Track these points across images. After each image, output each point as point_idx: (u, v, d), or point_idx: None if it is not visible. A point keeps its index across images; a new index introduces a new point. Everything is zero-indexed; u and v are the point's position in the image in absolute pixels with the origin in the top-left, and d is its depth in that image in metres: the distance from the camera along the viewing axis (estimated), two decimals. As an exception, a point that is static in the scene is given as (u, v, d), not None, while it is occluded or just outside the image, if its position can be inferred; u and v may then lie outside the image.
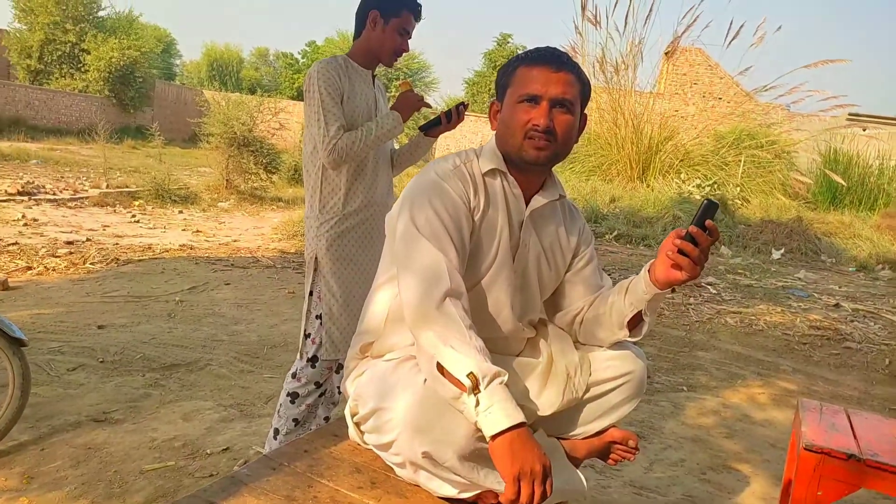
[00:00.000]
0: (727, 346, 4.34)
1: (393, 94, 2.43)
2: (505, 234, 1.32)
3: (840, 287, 6.76)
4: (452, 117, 2.12)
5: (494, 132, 1.35)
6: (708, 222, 1.15)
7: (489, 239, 1.31)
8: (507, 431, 1.03)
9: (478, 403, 1.04)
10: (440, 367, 1.09)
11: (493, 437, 1.04)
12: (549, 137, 1.25)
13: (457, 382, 1.06)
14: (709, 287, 6.08)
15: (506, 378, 1.08)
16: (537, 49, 1.30)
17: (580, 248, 1.45)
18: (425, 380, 1.15)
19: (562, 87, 1.25)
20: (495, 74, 1.57)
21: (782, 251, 8.64)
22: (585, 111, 1.35)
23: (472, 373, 1.05)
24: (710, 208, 1.15)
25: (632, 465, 2.53)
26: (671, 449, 2.73)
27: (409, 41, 2.07)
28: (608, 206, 10.61)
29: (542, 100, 1.24)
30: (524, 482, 1.01)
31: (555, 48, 1.30)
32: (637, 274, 1.30)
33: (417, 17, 2.05)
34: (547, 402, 1.32)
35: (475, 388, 1.04)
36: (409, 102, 2.08)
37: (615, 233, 9.06)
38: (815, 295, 6.15)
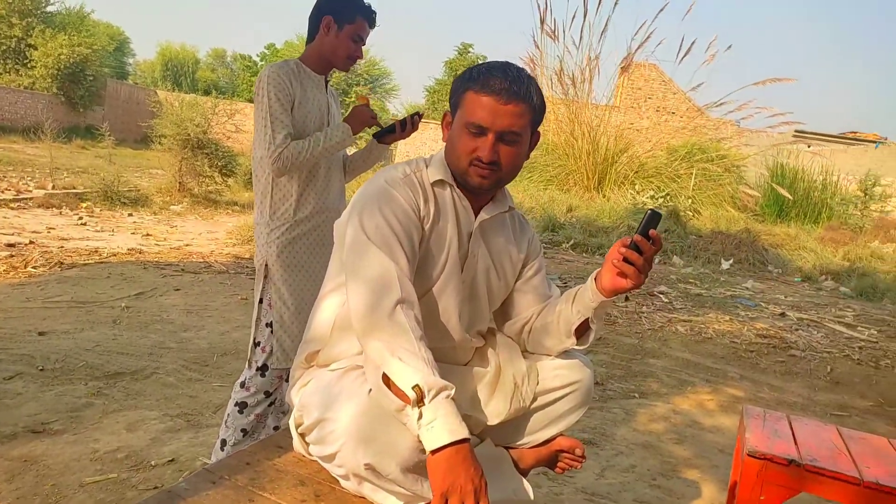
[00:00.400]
0: (678, 354, 4.43)
1: (354, 100, 2.38)
2: (454, 244, 1.32)
3: (786, 297, 6.99)
4: (407, 126, 2.12)
5: (444, 143, 1.35)
6: (652, 231, 1.17)
7: (438, 248, 1.31)
8: (447, 447, 1.01)
9: (421, 416, 1.03)
10: (386, 378, 1.07)
11: (433, 451, 1.02)
12: (492, 168, 1.25)
13: (401, 394, 1.04)
14: (661, 296, 6.21)
15: (452, 392, 1.06)
16: (490, 71, 1.24)
17: (529, 258, 1.45)
18: (370, 390, 1.14)
19: (509, 120, 1.22)
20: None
21: (731, 261, 8.89)
22: (539, 129, 1.35)
23: (417, 385, 1.03)
24: (653, 218, 1.18)
25: (584, 472, 2.55)
26: (622, 455, 2.77)
27: (364, 48, 2.06)
28: (565, 215, 10.76)
29: (489, 132, 1.23)
30: (452, 499, 1.00)
31: (508, 68, 1.25)
32: (585, 282, 1.31)
33: (372, 24, 2.04)
34: (494, 411, 1.31)
35: (420, 401, 1.03)
36: (362, 117, 2.06)
37: (572, 242, 9.19)
38: (762, 304, 6.35)
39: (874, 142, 19.85)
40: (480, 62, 1.31)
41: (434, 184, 1.32)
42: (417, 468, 1.10)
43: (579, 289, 1.32)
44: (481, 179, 1.26)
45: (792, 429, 1.95)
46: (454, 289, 1.33)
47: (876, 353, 4.82)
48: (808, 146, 16.90)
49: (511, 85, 1.22)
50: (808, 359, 4.54)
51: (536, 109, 1.27)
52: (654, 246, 1.17)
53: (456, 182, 1.32)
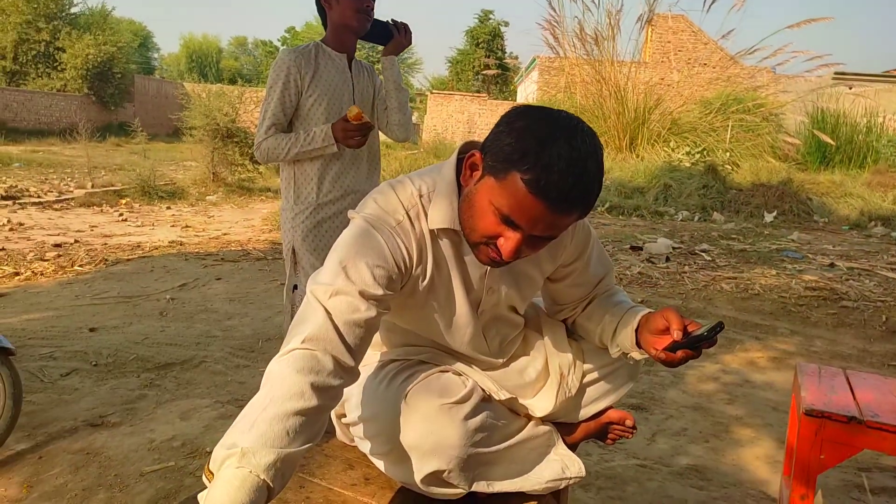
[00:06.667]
0: (724, 312, 4.33)
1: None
2: (460, 293, 1.15)
3: (834, 246, 6.77)
4: (401, 30, 2.03)
5: (462, 183, 1.07)
6: (705, 344, 1.05)
7: (440, 304, 1.15)
8: None
9: (200, 497, 0.86)
10: None
11: None
12: (509, 262, 1.03)
13: (206, 472, 0.89)
14: (703, 254, 6.08)
15: (235, 461, 0.84)
16: (550, 157, 0.91)
17: (569, 259, 1.26)
18: (407, 394, 1.12)
19: (550, 230, 0.97)
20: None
21: (774, 214, 8.64)
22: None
23: (206, 466, 0.87)
24: (713, 332, 1.03)
25: (635, 438, 2.52)
26: (673, 419, 2.73)
27: (374, 2, 1.98)
28: (598, 178, 10.58)
29: (520, 230, 0.97)
30: None
31: (575, 158, 0.91)
32: (631, 312, 1.22)
33: None
34: (540, 405, 1.28)
35: (208, 476, 0.87)
36: (343, 134, 1.91)
37: (607, 204, 9.04)
38: (810, 256, 6.16)
39: (921, 78, 18.89)
40: (539, 120, 0.96)
41: (435, 231, 1.10)
42: (469, 464, 1.09)
43: (621, 320, 1.22)
44: (489, 262, 1.05)
45: (849, 384, 1.88)
46: (471, 335, 1.20)
47: (933, 298, 4.64)
48: (850, 88, 16.19)
49: (571, 190, 0.92)
50: (861, 309, 4.39)
51: (590, 208, 1.00)
52: (696, 353, 1.05)
53: None
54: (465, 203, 1.04)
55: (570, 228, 1.21)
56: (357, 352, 1.00)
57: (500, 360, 1.29)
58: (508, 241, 0.98)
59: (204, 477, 0.86)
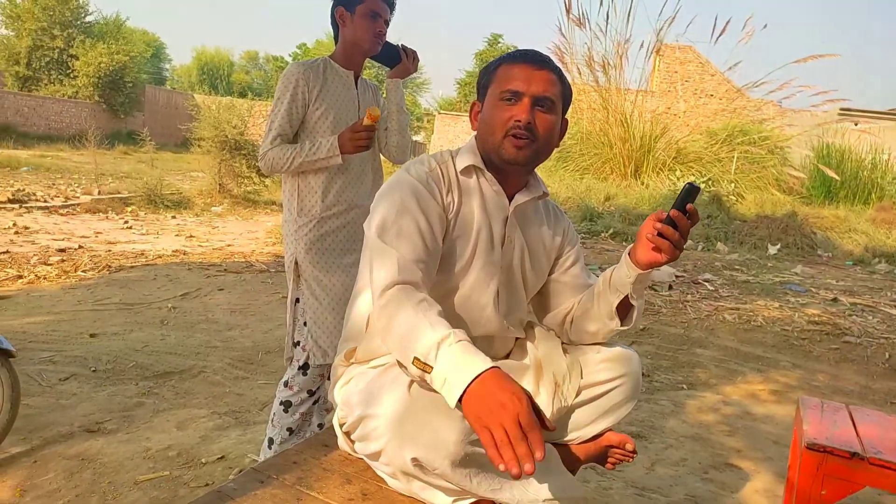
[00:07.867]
0: (726, 343, 4.32)
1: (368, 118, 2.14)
2: (484, 230, 1.29)
3: (837, 281, 6.76)
4: (409, 55, 2.07)
5: (475, 133, 1.34)
6: (689, 206, 1.14)
7: (465, 236, 1.29)
8: (468, 388, 0.95)
9: (433, 381, 1.00)
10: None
11: (458, 402, 0.96)
12: (529, 135, 1.23)
13: (420, 365, 1.02)
14: (706, 284, 6.07)
15: (453, 338, 1.01)
16: (519, 49, 1.31)
17: (565, 248, 1.43)
18: (411, 383, 1.11)
19: (543, 86, 1.25)
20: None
21: (778, 246, 8.64)
22: (567, 116, 1.34)
23: (416, 358, 1.01)
24: (691, 192, 1.14)
25: (633, 466, 2.50)
26: (672, 448, 2.71)
27: (387, 27, 2.01)
28: (603, 204, 10.61)
29: (524, 96, 1.24)
30: (495, 432, 0.90)
31: (536, 50, 1.31)
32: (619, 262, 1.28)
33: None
34: None
35: (426, 370, 1.00)
36: (352, 142, 1.93)
37: (611, 231, 9.05)
38: (813, 290, 6.14)
39: (926, 117, 18.99)
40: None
41: (462, 172, 1.30)
42: (466, 462, 1.07)
43: (614, 268, 1.29)
44: (517, 151, 1.24)
45: (852, 419, 1.87)
46: (489, 275, 1.30)
47: (936, 337, 4.62)
48: (856, 124, 16.27)
49: (537, 54, 1.29)
50: (864, 345, 4.37)
51: (566, 85, 1.30)
52: (690, 220, 1.14)
53: (487, 167, 1.30)
54: (481, 128, 1.31)
55: (566, 221, 1.46)
56: (427, 283, 1.18)
57: (508, 329, 1.36)
58: (519, 109, 1.24)
59: (413, 366, 1.02)
